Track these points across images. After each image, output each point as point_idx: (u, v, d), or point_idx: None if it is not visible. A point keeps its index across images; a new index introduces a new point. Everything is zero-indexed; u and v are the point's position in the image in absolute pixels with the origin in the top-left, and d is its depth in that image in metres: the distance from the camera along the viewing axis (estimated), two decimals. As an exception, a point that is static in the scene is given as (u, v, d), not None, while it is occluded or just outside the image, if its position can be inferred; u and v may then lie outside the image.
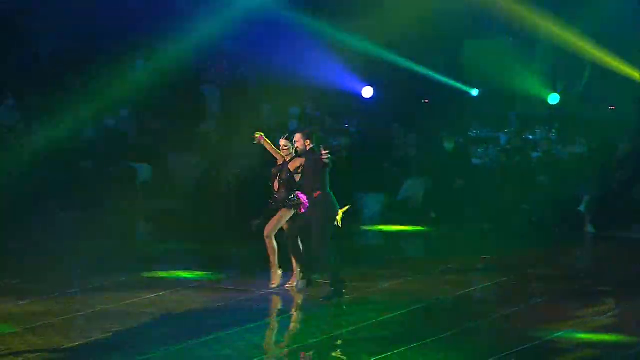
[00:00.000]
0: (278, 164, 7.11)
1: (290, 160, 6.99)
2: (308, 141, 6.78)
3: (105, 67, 11.38)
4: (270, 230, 7.01)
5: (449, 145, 10.67)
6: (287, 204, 6.93)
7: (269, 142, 7.10)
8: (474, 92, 13.13)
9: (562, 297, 7.37)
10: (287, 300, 7.06)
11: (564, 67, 13.95)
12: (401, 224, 10.58)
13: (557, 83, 13.92)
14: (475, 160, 10.61)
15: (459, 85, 13.04)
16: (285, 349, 5.73)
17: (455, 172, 10.50)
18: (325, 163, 6.67)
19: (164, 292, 7.07)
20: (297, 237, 6.95)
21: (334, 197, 6.82)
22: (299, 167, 6.96)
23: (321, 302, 6.80)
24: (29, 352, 5.40)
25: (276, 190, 7.03)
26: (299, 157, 6.88)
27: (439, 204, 10.39)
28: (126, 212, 10.88)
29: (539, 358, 5.64)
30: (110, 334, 5.87)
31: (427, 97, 13.22)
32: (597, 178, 10.40)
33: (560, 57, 13.60)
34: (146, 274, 7.91)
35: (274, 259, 7.11)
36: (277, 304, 7.03)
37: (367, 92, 12.51)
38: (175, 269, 8.21)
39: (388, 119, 11.98)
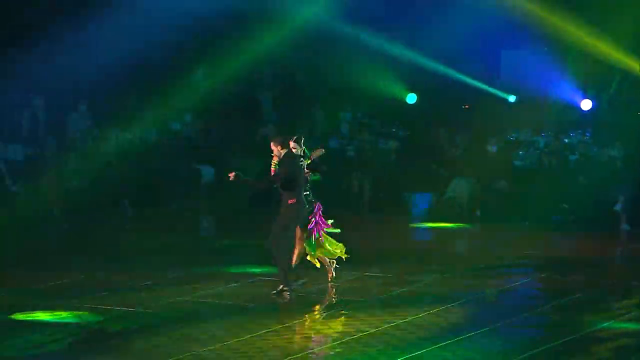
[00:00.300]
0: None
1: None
2: (280, 147, 6.87)
3: (170, 75, 12.23)
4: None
5: (492, 147, 11.37)
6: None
7: (242, 176, 6.98)
8: (511, 99, 13.80)
9: (602, 290, 7.70)
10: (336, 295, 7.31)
11: (595, 75, 14.56)
12: (448, 222, 11.17)
13: (588, 89, 14.55)
14: (516, 162, 11.26)
15: (497, 92, 13.72)
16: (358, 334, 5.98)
17: (498, 172, 11.19)
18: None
19: (237, 284, 7.54)
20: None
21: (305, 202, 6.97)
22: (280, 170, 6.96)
23: (272, 296, 6.89)
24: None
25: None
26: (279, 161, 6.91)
27: (483, 203, 11.04)
28: (191, 210, 11.73)
29: (585, 347, 5.84)
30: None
31: (467, 103, 13.91)
32: (631, 179, 10.99)
33: (590, 65, 14.22)
34: (216, 268, 8.30)
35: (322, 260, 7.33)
36: (325, 299, 7.25)
37: (412, 98, 13.29)
38: (244, 263, 8.62)
39: (432, 123, 12.71)
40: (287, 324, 6.21)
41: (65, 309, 6.58)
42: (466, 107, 13.92)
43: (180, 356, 5.33)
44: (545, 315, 6.67)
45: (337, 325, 6.39)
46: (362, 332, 5.97)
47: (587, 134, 12.71)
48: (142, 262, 8.54)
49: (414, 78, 13.11)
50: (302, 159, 6.91)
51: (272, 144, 6.98)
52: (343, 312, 6.68)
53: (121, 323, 6.27)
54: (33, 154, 11.34)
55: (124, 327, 6.17)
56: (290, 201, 6.83)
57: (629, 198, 10.68)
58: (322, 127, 11.75)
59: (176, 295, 7.07)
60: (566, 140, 11.96)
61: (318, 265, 7.34)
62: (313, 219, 7.12)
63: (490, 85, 13.64)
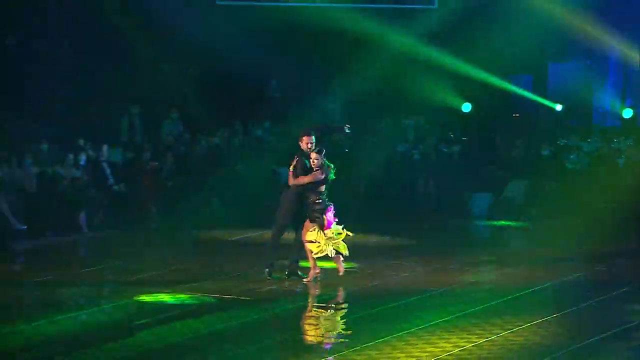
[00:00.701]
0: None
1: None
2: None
3: (250, 86, 13.59)
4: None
5: (545, 151, 12.51)
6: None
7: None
8: (558, 107, 14.93)
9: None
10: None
11: (633, 84, 15.58)
12: (505, 220, 12.16)
13: (627, 98, 15.61)
14: (568, 165, 12.38)
15: (544, 101, 14.87)
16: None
17: (551, 175, 12.31)
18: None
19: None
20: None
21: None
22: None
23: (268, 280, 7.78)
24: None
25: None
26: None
27: (538, 202, 12.15)
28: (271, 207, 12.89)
29: (636, 337, 6.35)
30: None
31: (517, 112, 15.13)
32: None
33: (629, 75, 15.28)
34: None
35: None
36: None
37: (467, 107, 14.53)
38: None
39: (486, 130, 13.93)
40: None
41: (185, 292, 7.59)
42: (516, 115, 15.12)
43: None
44: (599, 307, 7.23)
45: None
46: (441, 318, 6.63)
47: (630, 141, 13.73)
48: (234, 254, 9.85)
49: (469, 88, 14.32)
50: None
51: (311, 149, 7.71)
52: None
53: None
54: (131, 156, 12.69)
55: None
56: (316, 199, 7.71)
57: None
58: (389, 133, 13.00)
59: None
60: (613, 145, 13.01)
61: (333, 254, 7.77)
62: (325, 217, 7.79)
63: (538, 94, 14.81)
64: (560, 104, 14.85)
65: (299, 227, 7.86)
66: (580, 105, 15.07)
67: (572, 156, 12.47)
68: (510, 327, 6.32)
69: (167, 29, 13.25)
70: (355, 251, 8.38)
